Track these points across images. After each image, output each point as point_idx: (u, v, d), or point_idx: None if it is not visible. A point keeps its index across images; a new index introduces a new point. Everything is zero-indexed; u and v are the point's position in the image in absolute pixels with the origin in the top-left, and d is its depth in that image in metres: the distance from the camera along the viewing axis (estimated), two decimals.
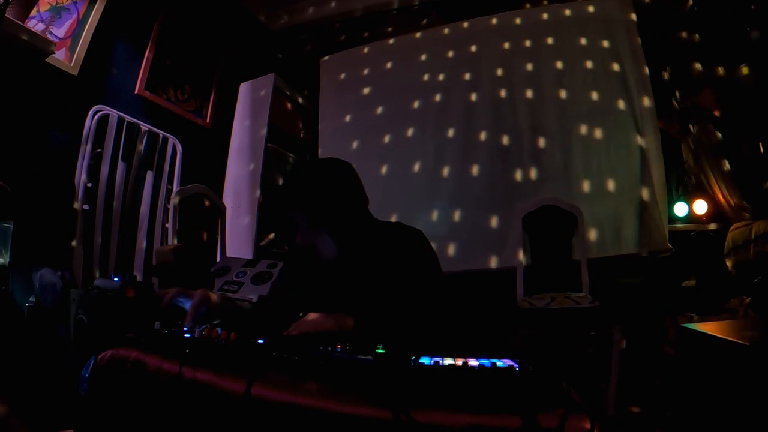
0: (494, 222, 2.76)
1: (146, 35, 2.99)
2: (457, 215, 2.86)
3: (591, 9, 2.98)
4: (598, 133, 2.73)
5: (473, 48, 3.17)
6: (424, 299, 1.10)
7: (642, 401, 2.06)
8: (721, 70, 2.72)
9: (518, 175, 2.81)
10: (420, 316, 1.06)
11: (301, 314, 1.00)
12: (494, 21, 3.20)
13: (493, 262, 2.68)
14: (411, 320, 1.05)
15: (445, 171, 2.96)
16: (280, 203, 1.21)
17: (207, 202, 2.78)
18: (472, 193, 2.86)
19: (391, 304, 1.06)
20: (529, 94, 2.93)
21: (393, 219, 2.72)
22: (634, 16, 2.86)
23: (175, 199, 2.58)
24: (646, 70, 2.73)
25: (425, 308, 1.09)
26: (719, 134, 2.62)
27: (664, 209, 2.54)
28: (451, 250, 2.76)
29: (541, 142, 2.82)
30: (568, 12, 3.03)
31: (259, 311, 1.25)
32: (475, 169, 2.90)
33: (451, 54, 3.23)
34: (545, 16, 3.09)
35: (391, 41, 3.51)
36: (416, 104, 3.19)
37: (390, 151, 3.16)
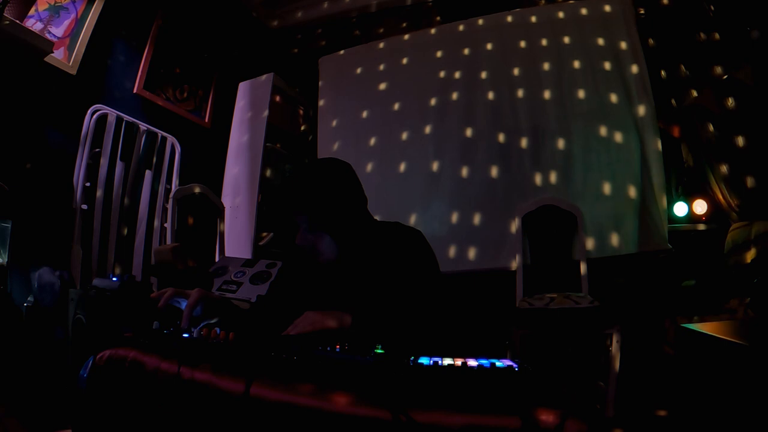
0: (494, 222, 2.75)
1: (145, 34, 2.99)
2: (456, 215, 2.85)
3: (591, 9, 2.97)
4: (598, 133, 2.72)
5: (473, 48, 3.16)
6: (423, 299, 1.10)
7: (647, 402, 2.06)
8: (721, 70, 2.72)
9: (518, 174, 2.80)
10: (418, 316, 1.06)
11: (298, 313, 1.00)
12: (493, 21, 3.19)
13: (493, 262, 2.68)
14: (409, 319, 1.05)
15: (445, 170, 2.96)
16: (280, 204, 1.21)
17: (206, 201, 2.78)
18: (472, 192, 2.86)
19: (390, 302, 1.06)
20: (529, 93, 2.92)
21: (392, 219, 2.71)
22: (634, 16, 2.85)
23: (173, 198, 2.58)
24: (647, 69, 2.73)
25: (424, 308, 1.09)
26: (719, 134, 2.62)
27: (663, 209, 2.53)
28: (451, 250, 2.76)
29: (541, 141, 2.81)
30: (567, 12, 3.03)
31: (256, 311, 1.25)
32: (474, 169, 2.89)
33: (450, 54, 3.22)
34: (545, 15, 3.08)
35: (392, 40, 3.51)
36: (416, 103, 3.18)
37: (390, 150, 3.15)
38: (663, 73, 2.87)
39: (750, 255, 2.32)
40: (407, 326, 1.03)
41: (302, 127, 3.80)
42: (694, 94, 2.77)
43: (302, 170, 1.23)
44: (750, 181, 2.47)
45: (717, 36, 2.76)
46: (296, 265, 1.29)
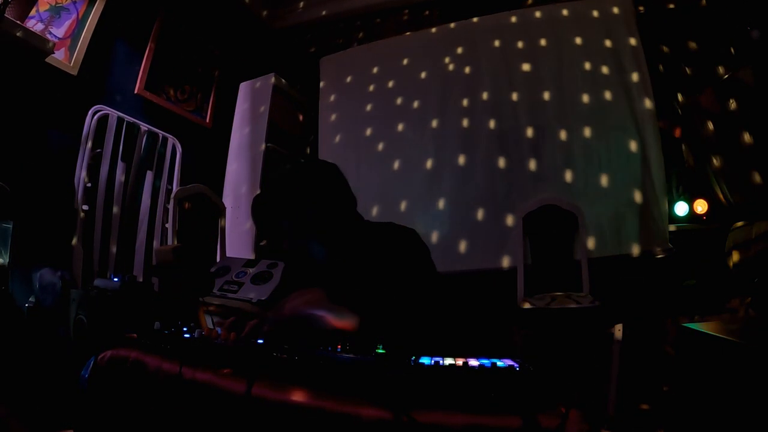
0: (495, 222, 2.75)
1: (146, 35, 2.99)
2: (457, 214, 2.85)
3: (591, 8, 2.97)
4: (598, 132, 2.72)
5: (473, 48, 3.16)
6: (418, 297, 1.09)
7: (644, 401, 2.05)
8: (721, 70, 2.71)
9: (519, 175, 2.80)
10: (415, 314, 1.06)
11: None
12: (495, 20, 3.19)
13: (494, 262, 2.67)
14: (407, 318, 1.04)
15: (445, 170, 2.95)
16: (264, 211, 1.18)
17: (207, 201, 2.78)
18: (473, 192, 2.86)
19: (389, 301, 1.06)
20: (530, 93, 2.92)
21: (392, 218, 2.71)
22: (635, 15, 2.85)
23: (175, 198, 2.58)
24: (647, 69, 2.73)
25: (420, 306, 1.08)
26: (720, 134, 2.61)
27: (664, 209, 2.53)
28: (452, 249, 2.75)
29: (542, 141, 2.81)
30: (568, 11, 3.03)
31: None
32: (475, 169, 2.89)
33: (451, 53, 3.22)
34: (546, 15, 3.08)
35: (392, 40, 3.51)
36: (416, 103, 3.18)
37: (391, 149, 3.15)
38: (663, 72, 2.86)
39: (750, 254, 2.32)
40: (406, 325, 1.02)
41: (302, 127, 3.80)
42: (695, 93, 2.76)
43: (282, 176, 1.20)
44: (750, 181, 2.47)
45: (717, 35, 2.75)
46: (297, 266, 1.29)
